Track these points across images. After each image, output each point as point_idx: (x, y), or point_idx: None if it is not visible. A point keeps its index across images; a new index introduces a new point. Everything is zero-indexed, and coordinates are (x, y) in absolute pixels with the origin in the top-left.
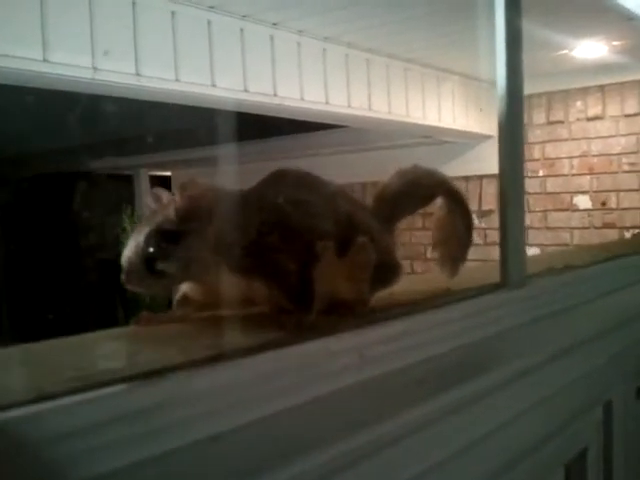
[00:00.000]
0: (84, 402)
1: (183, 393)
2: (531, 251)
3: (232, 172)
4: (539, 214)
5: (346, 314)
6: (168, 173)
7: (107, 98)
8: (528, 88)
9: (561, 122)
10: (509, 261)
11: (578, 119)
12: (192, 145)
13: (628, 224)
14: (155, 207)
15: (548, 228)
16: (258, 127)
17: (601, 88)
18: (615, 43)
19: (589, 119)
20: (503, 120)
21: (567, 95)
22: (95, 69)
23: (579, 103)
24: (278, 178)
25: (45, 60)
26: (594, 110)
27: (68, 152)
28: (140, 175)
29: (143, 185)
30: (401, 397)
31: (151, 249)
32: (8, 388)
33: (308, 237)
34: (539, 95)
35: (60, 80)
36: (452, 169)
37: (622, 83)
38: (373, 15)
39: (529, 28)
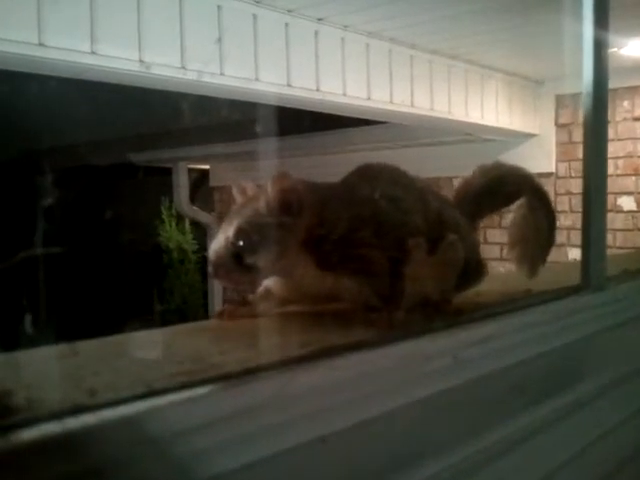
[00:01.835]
0: (201, 399)
1: (287, 393)
2: (574, 252)
3: (270, 166)
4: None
5: (432, 313)
6: (207, 166)
7: (150, 91)
8: (575, 87)
9: (607, 122)
10: (591, 263)
11: (625, 119)
12: (232, 139)
13: None
14: (241, 200)
15: None
16: (299, 122)
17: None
18: None
19: (635, 119)
20: (588, 126)
21: (614, 94)
22: (142, 62)
23: (626, 103)
24: (366, 172)
25: (93, 52)
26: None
27: (109, 144)
28: (179, 168)
29: (182, 178)
30: (501, 406)
31: (241, 242)
32: (115, 383)
33: (400, 233)
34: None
35: (107, 72)
36: None
37: None
38: (417, 11)
39: (577, 26)
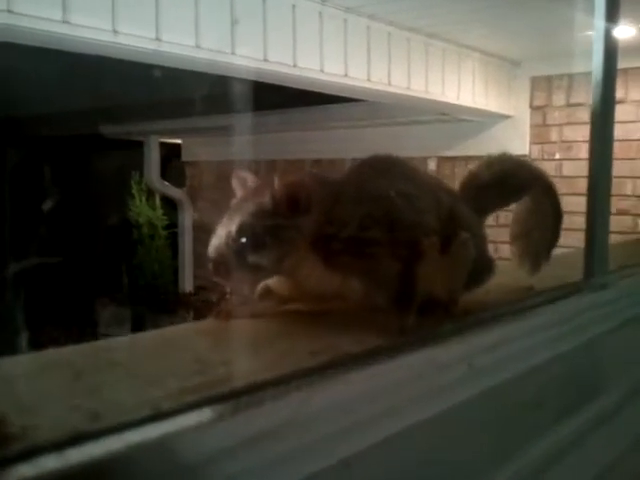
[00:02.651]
0: (212, 424)
1: (303, 414)
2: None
3: (245, 142)
4: None
5: (441, 315)
6: (179, 141)
7: (122, 62)
8: (550, 69)
9: (581, 105)
10: (595, 261)
11: None
12: (206, 113)
13: None
14: (241, 192)
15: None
16: (275, 98)
17: (625, 72)
18: None
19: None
20: (596, 126)
21: (589, 77)
22: (115, 32)
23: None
24: (376, 165)
25: (65, 21)
26: (616, 94)
27: (80, 115)
28: (150, 142)
29: (153, 152)
30: (523, 417)
31: (244, 239)
32: (117, 402)
33: (414, 233)
34: (561, 76)
35: (80, 43)
36: (469, 148)
37: None
38: None
39: (555, 7)
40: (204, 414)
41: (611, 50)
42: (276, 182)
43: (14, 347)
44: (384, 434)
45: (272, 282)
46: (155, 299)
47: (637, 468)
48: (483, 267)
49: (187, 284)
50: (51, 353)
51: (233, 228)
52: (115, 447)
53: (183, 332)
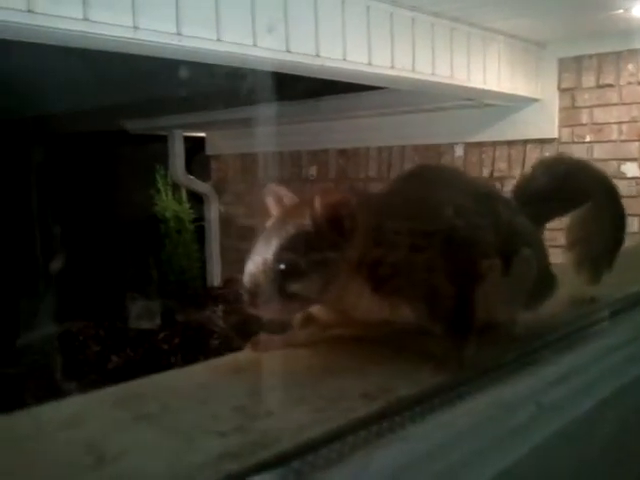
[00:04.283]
0: None
1: None
2: None
3: (268, 133)
4: None
5: (501, 340)
6: (203, 134)
7: (144, 58)
8: (578, 49)
9: (611, 86)
10: None
11: (629, 82)
12: (229, 106)
13: None
14: (277, 211)
15: None
16: (298, 88)
17: None
18: None
19: None
20: None
21: (619, 57)
22: (136, 28)
23: (631, 66)
24: (423, 176)
25: (85, 19)
26: None
27: (104, 111)
28: (175, 136)
29: (177, 146)
30: (606, 464)
31: (282, 266)
32: (147, 473)
33: (472, 254)
34: (590, 57)
35: (101, 40)
36: (496, 133)
37: None
38: None
39: None
40: None
41: None
42: (316, 200)
43: (45, 342)
44: None
45: (313, 309)
46: (183, 293)
47: None
48: (545, 284)
49: (215, 278)
50: (72, 404)
51: (270, 254)
52: None
53: (218, 369)
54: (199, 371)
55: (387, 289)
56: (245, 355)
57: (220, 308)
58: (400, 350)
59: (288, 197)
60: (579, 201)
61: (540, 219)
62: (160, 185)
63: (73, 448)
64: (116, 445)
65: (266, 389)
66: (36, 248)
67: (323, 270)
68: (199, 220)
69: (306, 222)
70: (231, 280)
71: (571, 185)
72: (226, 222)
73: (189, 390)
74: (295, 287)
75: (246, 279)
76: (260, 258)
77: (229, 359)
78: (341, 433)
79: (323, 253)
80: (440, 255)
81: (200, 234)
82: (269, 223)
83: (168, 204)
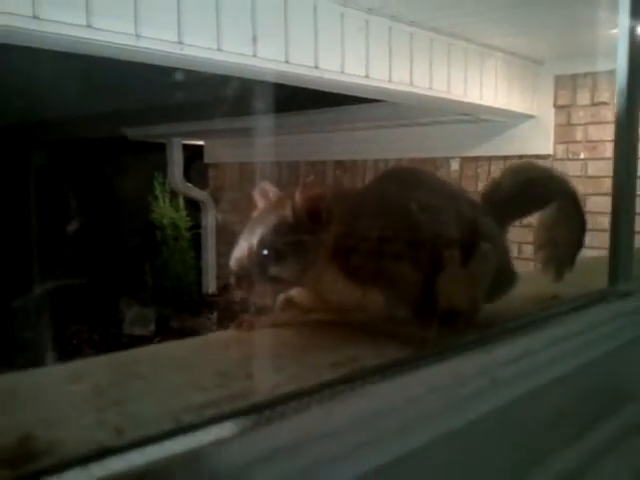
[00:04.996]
0: (234, 439)
1: (325, 428)
2: None
3: (267, 143)
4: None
5: (462, 325)
6: (201, 143)
7: (145, 66)
8: (574, 68)
9: (606, 104)
10: (620, 267)
11: None
12: (228, 116)
13: None
14: (263, 204)
15: (590, 212)
16: (296, 99)
17: None
18: None
19: None
20: (620, 123)
21: (613, 75)
22: (138, 36)
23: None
24: (396, 177)
25: (88, 26)
26: None
27: (104, 118)
28: (173, 144)
29: (176, 154)
30: (547, 435)
31: (265, 252)
32: (140, 416)
33: (435, 245)
34: (585, 75)
35: (103, 47)
36: (492, 148)
37: None
38: None
39: (578, 4)
40: (225, 428)
41: (637, 48)
42: (297, 194)
43: (39, 343)
44: (405, 448)
45: (294, 293)
46: (179, 300)
47: None
48: (504, 278)
49: (210, 285)
50: (73, 366)
51: (254, 241)
52: (139, 462)
53: (204, 344)
54: (189, 344)
55: (359, 276)
56: (230, 333)
57: (215, 315)
58: (371, 332)
59: (273, 192)
60: (542, 204)
61: (506, 220)
62: (158, 192)
63: (78, 397)
64: (114, 394)
65: (248, 359)
66: (33, 250)
67: (302, 256)
68: (196, 227)
69: (287, 213)
70: (227, 287)
71: (534, 189)
72: (223, 230)
73: (178, 358)
74: (276, 270)
75: (232, 263)
76: (245, 244)
77: (215, 336)
78: (310, 391)
79: (302, 241)
80: (405, 246)
81: (197, 241)
82: (255, 214)
83: (165, 211)
